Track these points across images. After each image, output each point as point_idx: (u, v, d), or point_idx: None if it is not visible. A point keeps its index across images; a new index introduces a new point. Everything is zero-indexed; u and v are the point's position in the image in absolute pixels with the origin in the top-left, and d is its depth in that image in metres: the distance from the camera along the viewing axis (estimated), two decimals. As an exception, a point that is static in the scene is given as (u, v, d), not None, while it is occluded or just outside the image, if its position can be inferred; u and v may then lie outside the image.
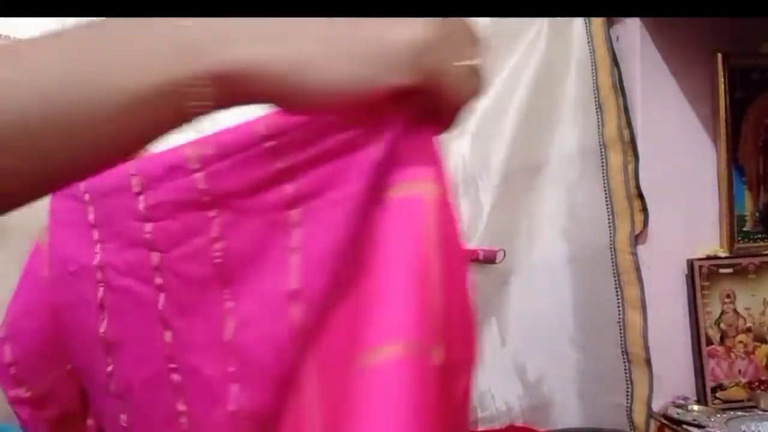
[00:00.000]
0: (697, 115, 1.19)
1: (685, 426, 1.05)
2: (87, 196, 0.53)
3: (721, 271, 1.15)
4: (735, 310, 1.15)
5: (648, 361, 1.11)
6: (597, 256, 1.17)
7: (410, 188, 0.37)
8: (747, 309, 1.15)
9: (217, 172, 0.45)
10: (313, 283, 0.41)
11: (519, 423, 1.17)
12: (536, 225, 1.22)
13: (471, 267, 1.17)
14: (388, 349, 0.35)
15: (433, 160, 0.38)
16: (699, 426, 1.03)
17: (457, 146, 1.20)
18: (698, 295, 1.14)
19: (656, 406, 1.12)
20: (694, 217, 1.18)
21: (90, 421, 0.65)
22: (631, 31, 1.18)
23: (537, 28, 1.21)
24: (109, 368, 0.55)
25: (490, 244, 1.19)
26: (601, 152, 1.19)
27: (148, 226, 0.49)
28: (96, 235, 0.54)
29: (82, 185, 0.53)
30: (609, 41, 1.19)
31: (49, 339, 0.60)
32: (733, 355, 1.14)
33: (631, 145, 1.16)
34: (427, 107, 0.37)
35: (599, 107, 1.20)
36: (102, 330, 0.54)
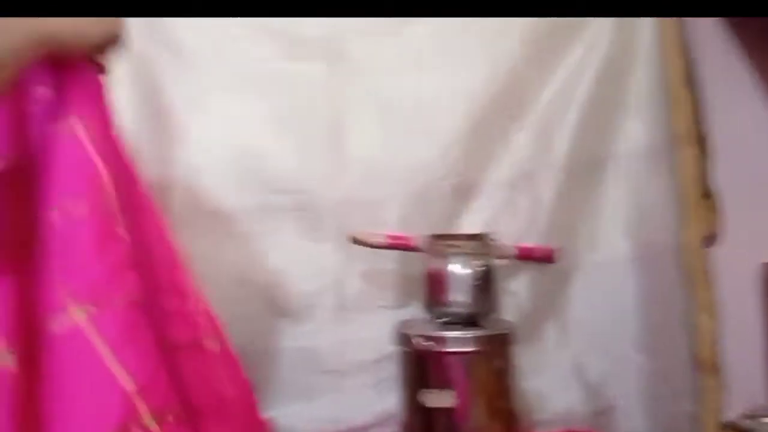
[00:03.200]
0: (775, 108, 1.13)
1: (758, 438, 1.00)
2: None
3: (799, 274, 1.09)
4: (814, 316, 1.09)
5: (719, 368, 1.06)
6: (664, 255, 1.12)
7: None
8: (827, 315, 1.09)
9: None
10: None
11: (579, 427, 1.13)
12: (599, 222, 1.18)
13: (528, 266, 1.15)
14: None
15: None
16: (773, 438, 0.98)
17: (517, 140, 1.18)
18: (774, 299, 1.08)
19: (727, 416, 1.07)
20: (770, 216, 1.13)
21: None
22: (703, 18, 1.12)
23: (601, 18, 1.17)
24: None
25: (550, 241, 1.15)
26: (670, 148, 1.14)
27: None
28: None
29: None
30: (679, 30, 1.14)
31: None
32: (811, 363, 1.08)
33: (703, 141, 1.11)
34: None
35: (668, 100, 1.15)
36: None
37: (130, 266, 0.66)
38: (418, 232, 1.11)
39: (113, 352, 0.59)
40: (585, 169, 1.18)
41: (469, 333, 0.98)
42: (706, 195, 1.11)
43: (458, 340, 0.97)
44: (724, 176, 1.11)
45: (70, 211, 0.63)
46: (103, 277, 0.63)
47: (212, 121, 1.11)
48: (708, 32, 1.13)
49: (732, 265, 1.11)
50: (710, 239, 1.11)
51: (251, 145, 1.11)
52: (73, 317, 0.59)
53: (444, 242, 1.03)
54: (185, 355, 0.77)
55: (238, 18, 1.12)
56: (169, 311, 0.77)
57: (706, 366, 1.07)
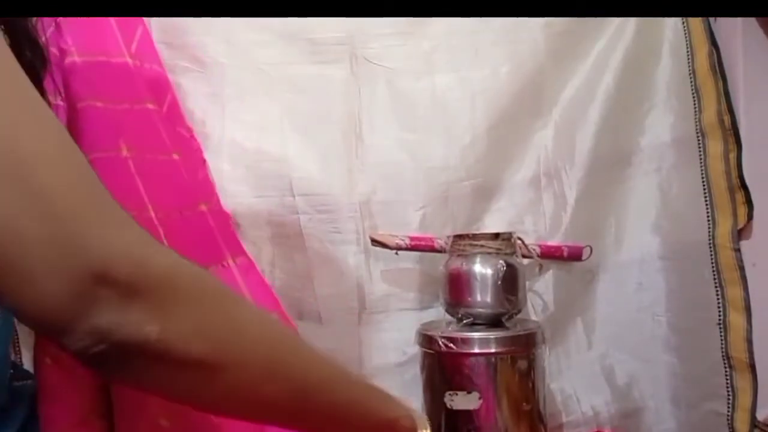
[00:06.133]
0: (807, 98, 1.09)
1: (795, 439, 0.96)
2: None
3: (836, 268, 1.05)
4: None
5: (752, 367, 1.03)
6: (694, 252, 1.09)
7: None
8: None
9: None
10: None
11: (607, 429, 1.11)
12: (625, 219, 1.15)
13: (553, 265, 1.13)
14: None
15: None
16: (811, 439, 0.95)
17: (540, 137, 1.16)
18: (810, 295, 1.05)
19: (761, 416, 1.04)
20: (804, 209, 1.09)
21: None
22: (732, 8, 1.09)
23: (625, 10, 1.14)
24: None
25: (575, 240, 1.13)
26: (699, 140, 1.11)
27: None
28: None
29: None
30: (706, 20, 1.11)
31: None
32: None
33: (732, 132, 1.08)
34: None
35: (696, 92, 1.12)
36: None
37: None
38: (439, 233, 1.10)
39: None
40: (610, 165, 1.15)
41: (493, 334, 0.96)
42: (737, 188, 1.07)
43: (482, 341, 0.95)
44: (755, 167, 1.08)
45: None
46: None
47: (231, 125, 1.11)
48: (736, 22, 1.09)
49: (765, 260, 1.07)
50: (741, 234, 1.07)
51: (270, 149, 1.11)
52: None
53: (467, 242, 1.02)
54: None
55: (256, 23, 1.12)
56: None
57: (739, 364, 1.04)
